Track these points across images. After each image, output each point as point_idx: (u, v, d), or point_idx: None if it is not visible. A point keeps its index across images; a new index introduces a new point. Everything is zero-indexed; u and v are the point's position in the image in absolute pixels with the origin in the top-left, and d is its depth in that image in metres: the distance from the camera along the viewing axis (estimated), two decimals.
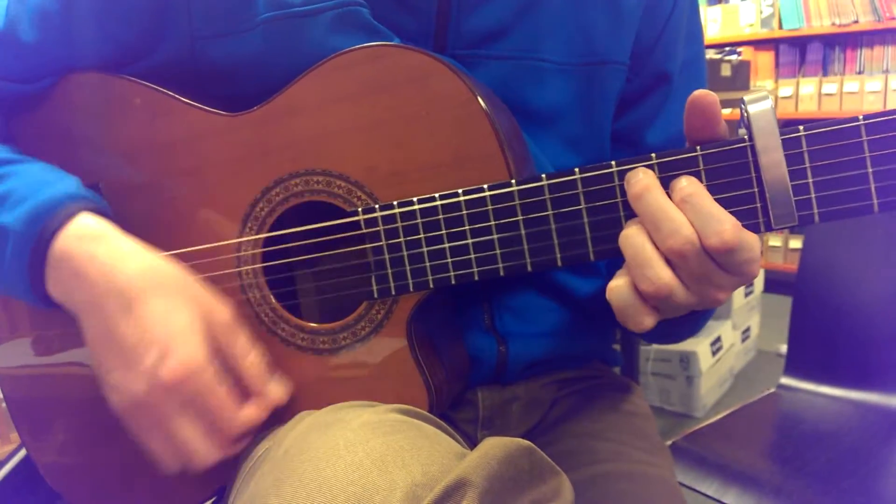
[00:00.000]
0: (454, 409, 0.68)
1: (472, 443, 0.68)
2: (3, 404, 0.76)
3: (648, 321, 0.49)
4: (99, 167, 0.64)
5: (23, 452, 0.83)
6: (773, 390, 1.18)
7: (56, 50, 0.62)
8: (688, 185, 0.47)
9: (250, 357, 0.56)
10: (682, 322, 0.57)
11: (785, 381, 1.18)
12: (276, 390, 0.57)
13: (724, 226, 0.46)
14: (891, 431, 1.01)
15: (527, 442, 0.43)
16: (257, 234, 0.60)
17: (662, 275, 0.47)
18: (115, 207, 0.63)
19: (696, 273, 0.47)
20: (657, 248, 0.47)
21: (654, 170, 0.49)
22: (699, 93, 0.47)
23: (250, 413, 0.55)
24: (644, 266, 0.47)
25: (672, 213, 0.47)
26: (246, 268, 0.60)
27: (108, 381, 0.54)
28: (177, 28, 0.61)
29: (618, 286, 0.49)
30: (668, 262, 0.48)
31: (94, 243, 0.54)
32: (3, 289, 0.58)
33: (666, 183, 0.49)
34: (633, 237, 0.48)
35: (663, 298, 0.48)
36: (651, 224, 0.47)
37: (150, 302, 0.52)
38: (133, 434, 0.56)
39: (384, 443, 0.42)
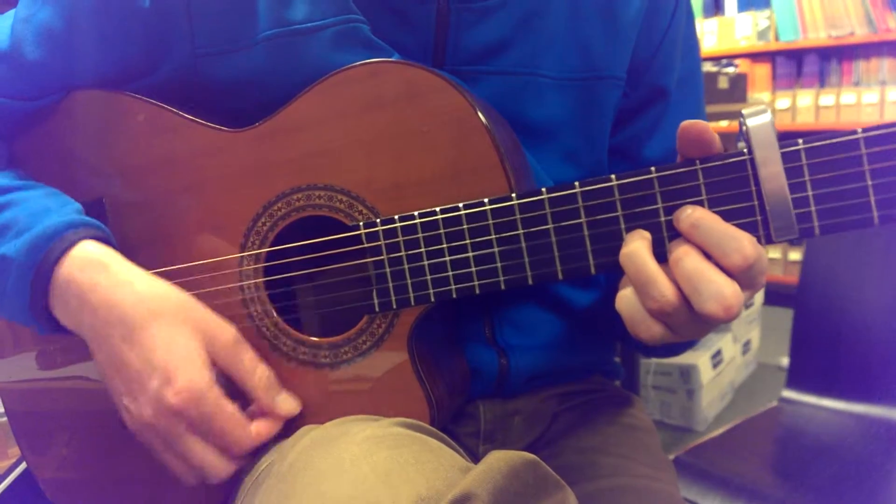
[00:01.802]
0: (456, 423, 0.68)
1: (473, 457, 0.67)
2: (3, 419, 0.76)
3: (657, 329, 0.49)
4: (102, 183, 0.64)
5: (21, 467, 0.82)
6: (775, 404, 1.18)
7: (60, 68, 0.62)
8: (693, 210, 0.48)
9: (257, 373, 0.56)
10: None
11: (787, 394, 1.17)
12: (286, 404, 0.58)
13: (743, 242, 0.46)
14: (894, 444, 1.01)
15: (531, 455, 0.43)
16: (259, 248, 0.60)
17: (667, 293, 0.47)
18: (119, 223, 0.63)
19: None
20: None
21: (653, 183, 0.49)
22: (688, 123, 0.47)
23: (260, 428, 0.56)
24: (648, 285, 0.47)
25: (659, 275, 0.47)
26: (248, 282, 0.60)
27: (120, 403, 0.56)
28: (179, 45, 0.61)
29: (626, 296, 0.49)
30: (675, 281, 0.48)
31: (96, 272, 0.54)
32: (8, 317, 0.59)
33: (667, 197, 0.49)
34: (634, 255, 0.48)
35: (669, 314, 0.48)
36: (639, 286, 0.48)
37: (152, 329, 0.53)
38: (150, 450, 0.57)
39: (389, 457, 0.42)
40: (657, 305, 0.47)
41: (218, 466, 0.54)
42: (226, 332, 0.56)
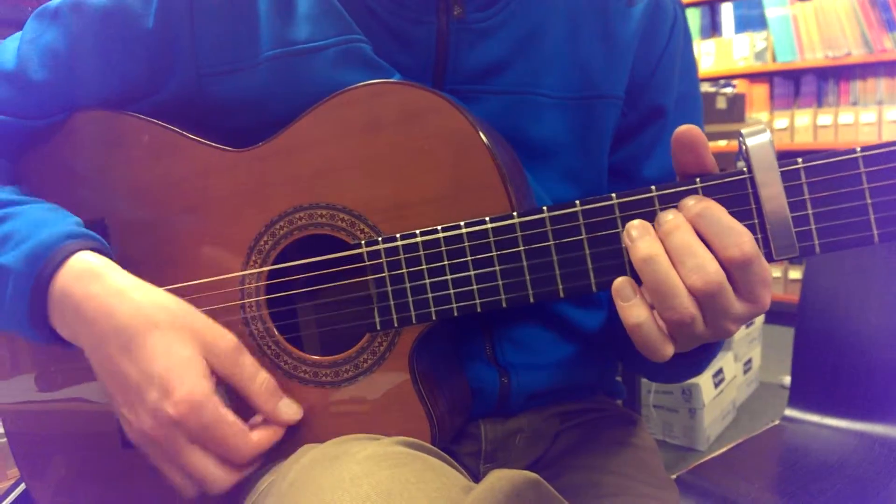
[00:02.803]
0: (457, 443, 0.68)
1: (475, 477, 0.67)
2: (2, 440, 0.76)
3: (670, 349, 0.49)
4: (105, 202, 0.64)
5: (20, 489, 0.82)
6: (777, 422, 1.17)
7: (64, 89, 0.63)
8: (697, 201, 0.48)
9: (258, 380, 0.56)
10: (690, 356, 0.56)
11: (789, 412, 1.17)
12: (288, 410, 0.57)
13: (744, 237, 0.46)
14: None
15: (534, 475, 0.43)
16: (261, 267, 0.60)
17: (688, 304, 0.47)
18: (121, 242, 0.63)
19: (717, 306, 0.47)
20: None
21: (654, 202, 0.50)
22: (684, 128, 0.48)
23: (262, 436, 0.55)
24: (670, 296, 0.47)
25: (698, 248, 0.47)
26: (249, 300, 0.60)
27: (119, 414, 0.55)
28: (183, 66, 0.62)
29: (640, 315, 0.48)
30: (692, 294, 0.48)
31: (93, 282, 0.54)
32: (6, 327, 0.58)
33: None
34: (655, 263, 0.47)
35: (687, 325, 0.47)
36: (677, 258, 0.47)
37: (149, 338, 0.52)
38: (151, 461, 0.56)
39: (390, 476, 0.42)
40: (677, 316, 0.47)
41: (219, 477, 0.53)
42: (225, 339, 0.55)
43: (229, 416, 0.53)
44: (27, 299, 0.54)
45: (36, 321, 0.55)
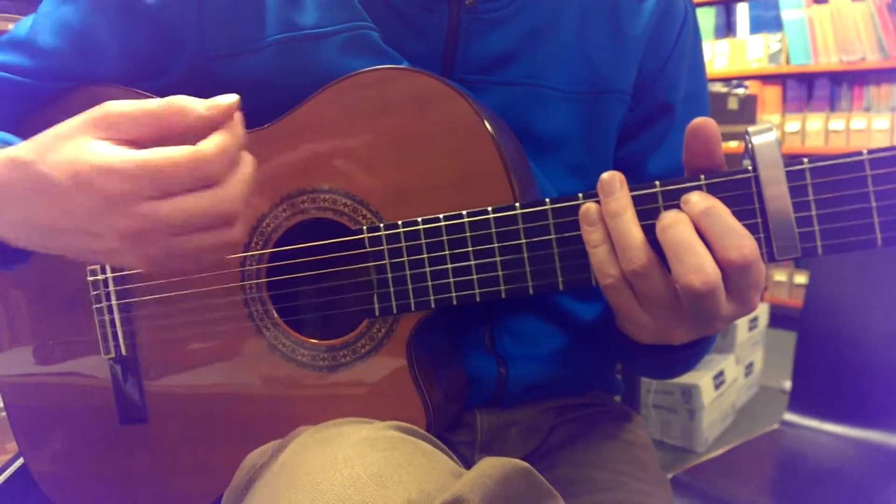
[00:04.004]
0: (452, 431, 0.68)
1: (468, 466, 0.67)
2: (2, 414, 0.76)
3: (682, 333, 0.50)
4: None
5: (18, 464, 0.82)
6: (776, 426, 1.17)
7: (73, 59, 0.64)
8: (703, 198, 0.47)
9: (165, 105, 0.45)
10: (681, 350, 0.57)
11: (788, 417, 1.17)
12: (223, 99, 0.46)
13: (746, 241, 0.46)
14: (894, 471, 1.00)
15: (524, 463, 0.43)
16: (263, 249, 0.60)
17: (707, 265, 0.46)
18: None
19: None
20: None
21: (658, 197, 0.49)
22: (701, 120, 0.48)
23: (217, 138, 0.45)
24: (690, 253, 0.46)
25: (698, 247, 0.46)
26: (250, 282, 0.60)
27: (99, 254, 0.48)
28: (190, 47, 0.62)
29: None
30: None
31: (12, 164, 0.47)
32: None
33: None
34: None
35: (709, 293, 0.46)
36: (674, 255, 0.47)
37: (44, 167, 0.45)
38: (163, 261, 0.47)
39: (382, 458, 0.42)
40: (700, 279, 0.45)
41: (224, 201, 0.45)
42: (94, 110, 0.46)
43: (146, 151, 0.44)
44: None
45: None
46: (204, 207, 0.45)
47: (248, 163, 0.47)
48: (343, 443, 0.45)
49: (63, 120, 0.49)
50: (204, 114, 0.45)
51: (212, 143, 0.45)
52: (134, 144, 0.45)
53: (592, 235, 0.50)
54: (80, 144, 0.45)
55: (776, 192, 0.47)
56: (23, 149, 0.47)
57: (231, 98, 0.46)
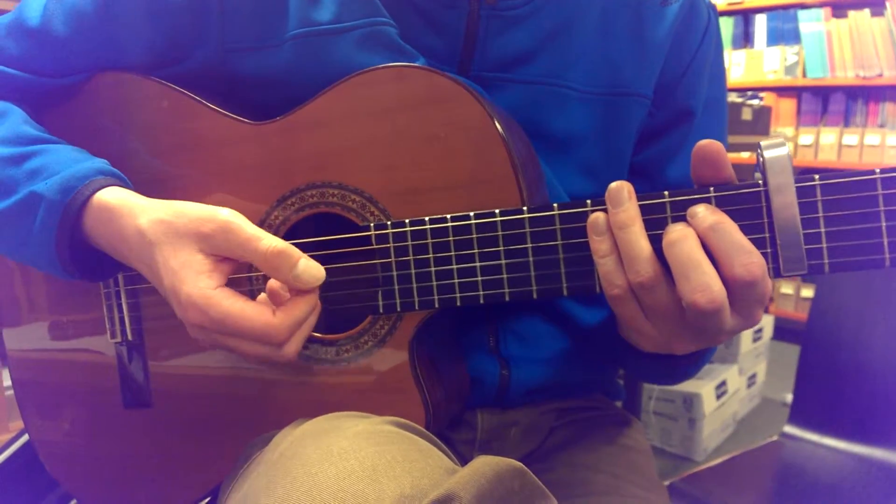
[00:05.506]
0: (453, 430, 0.68)
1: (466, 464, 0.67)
2: (8, 392, 0.77)
3: (684, 345, 0.50)
4: (121, 164, 0.65)
5: (21, 441, 0.83)
6: (775, 438, 1.16)
7: (88, 49, 0.64)
8: (710, 212, 0.47)
9: (261, 247, 0.51)
10: (683, 358, 0.57)
11: (788, 429, 1.16)
12: (307, 271, 0.51)
13: (753, 258, 0.46)
14: (893, 488, 0.99)
15: (518, 463, 0.43)
16: None
17: (714, 284, 0.46)
18: None
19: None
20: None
21: (666, 208, 0.49)
22: (705, 142, 0.47)
23: (287, 311, 0.52)
24: (697, 271, 0.46)
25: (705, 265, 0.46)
26: (256, 273, 0.61)
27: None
28: (208, 40, 0.62)
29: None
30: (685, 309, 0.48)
31: (118, 214, 0.56)
32: (30, 256, 0.59)
33: (678, 222, 0.49)
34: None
35: (714, 311, 0.46)
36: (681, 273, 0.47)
37: (156, 255, 0.53)
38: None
39: (377, 452, 0.42)
40: (705, 298, 0.45)
41: (272, 354, 0.53)
42: (213, 221, 0.52)
43: (234, 306, 0.51)
44: (56, 225, 0.56)
45: (62, 248, 0.56)
46: (259, 355, 0.53)
47: (309, 325, 0.54)
48: (340, 436, 0.45)
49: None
50: (298, 279, 0.51)
51: (288, 319, 0.52)
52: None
53: (600, 245, 0.49)
54: (187, 259, 0.52)
55: (785, 206, 0.47)
56: (151, 228, 0.54)
57: (322, 273, 0.52)
